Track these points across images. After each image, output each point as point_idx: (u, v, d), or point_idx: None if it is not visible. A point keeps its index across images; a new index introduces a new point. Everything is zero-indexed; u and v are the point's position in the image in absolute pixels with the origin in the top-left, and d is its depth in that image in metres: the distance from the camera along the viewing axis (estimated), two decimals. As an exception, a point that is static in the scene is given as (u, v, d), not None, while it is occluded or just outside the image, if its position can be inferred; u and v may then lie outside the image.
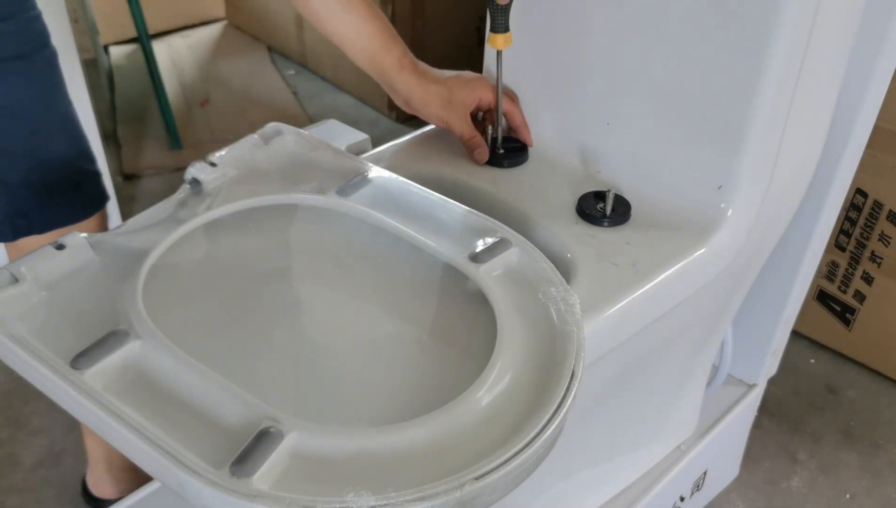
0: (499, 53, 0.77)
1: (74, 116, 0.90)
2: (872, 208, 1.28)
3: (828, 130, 0.82)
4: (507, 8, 0.74)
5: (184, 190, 0.70)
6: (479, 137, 0.81)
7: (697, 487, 1.12)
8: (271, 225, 0.71)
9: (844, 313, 1.40)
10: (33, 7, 0.82)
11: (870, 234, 1.31)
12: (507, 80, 0.83)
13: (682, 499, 1.09)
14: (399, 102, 0.82)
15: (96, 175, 0.92)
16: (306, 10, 0.78)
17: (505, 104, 0.82)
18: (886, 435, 1.31)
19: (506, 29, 0.75)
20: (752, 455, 1.26)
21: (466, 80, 0.81)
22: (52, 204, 0.87)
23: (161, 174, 1.96)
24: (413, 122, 0.98)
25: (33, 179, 0.84)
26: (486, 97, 0.81)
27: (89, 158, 0.91)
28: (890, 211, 1.27)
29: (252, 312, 0.63)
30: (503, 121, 0.83)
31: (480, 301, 0.60)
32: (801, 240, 0.97)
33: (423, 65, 0.81)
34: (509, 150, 0.82)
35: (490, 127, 0.82)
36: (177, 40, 2.62)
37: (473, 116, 0.84)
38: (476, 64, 0.88)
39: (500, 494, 0.48)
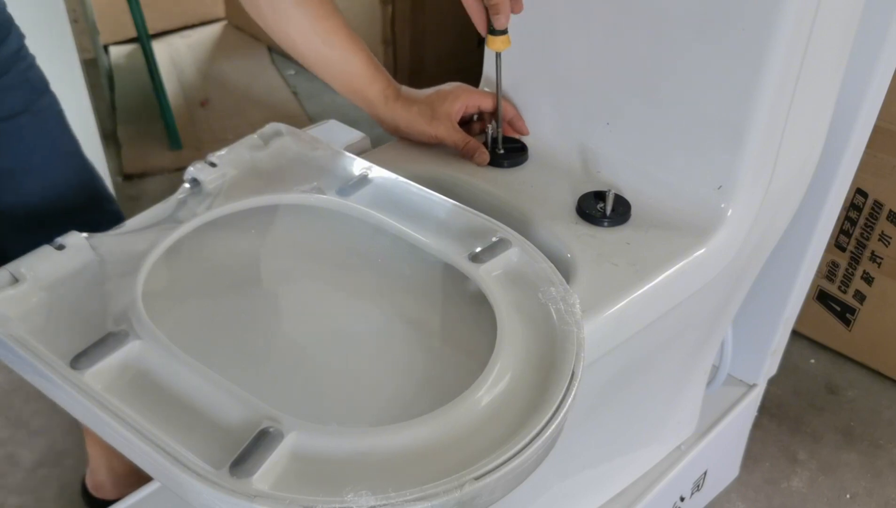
0: (498, 55, 0.77)
1: (85, 158, 0.88)
2: (872, 208, 1.28)
3: (828, 130, 0.82)
4: None
5: (184, 190, 0.70)
6: (474, 142, 0.80)
7: (697, 487, 1.12)
8: (271, 225, 0.71)
9: (844, 314, 1.40)
10: (26, 55, 0.81)
11: (870, 234, 1.31)
12: (508, 80, 0.83)
13: (682, 499, 1.09)
14: (389, 130, 0.83)
15: (116, 215, 0.90)
16: (287, 44, 0.78)
17: (488, 104, 0.82)
18: (886, 435, 1.31)
19: (504, 31, 0.75)
20: (752, 455, 1.26)
21: (447, 91, 0.81)
22: None
23: (161, 174, 1.96)
24: (413, 122, 0.98)
25: (53, 228, 0.82)
26: (472, 101, 0.81)
27: (108, 198, 0.90)
28: (890, 211, 1.27)
29: (252, 312, 0.63)
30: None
31: (480, 301, 0.60)
32: (801, 240, 0.97)
33: (406, 90, 0.82)
34: (509, 150, 0.82)
35: (489, 128, 0.82)
36: (177, 40, 2.62)
37: (469, 120, 0.84)
38: (476, 64, 0.88)
39: (500, 494, 0.48)
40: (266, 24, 0.77)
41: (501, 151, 0.82)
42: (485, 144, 0.82)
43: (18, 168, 0.80)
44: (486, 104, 0.82)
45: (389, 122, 0.81)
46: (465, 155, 0.81)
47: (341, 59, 0.78)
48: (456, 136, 0.80)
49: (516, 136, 0.84)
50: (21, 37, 0.80)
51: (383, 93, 0.80)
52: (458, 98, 0.80)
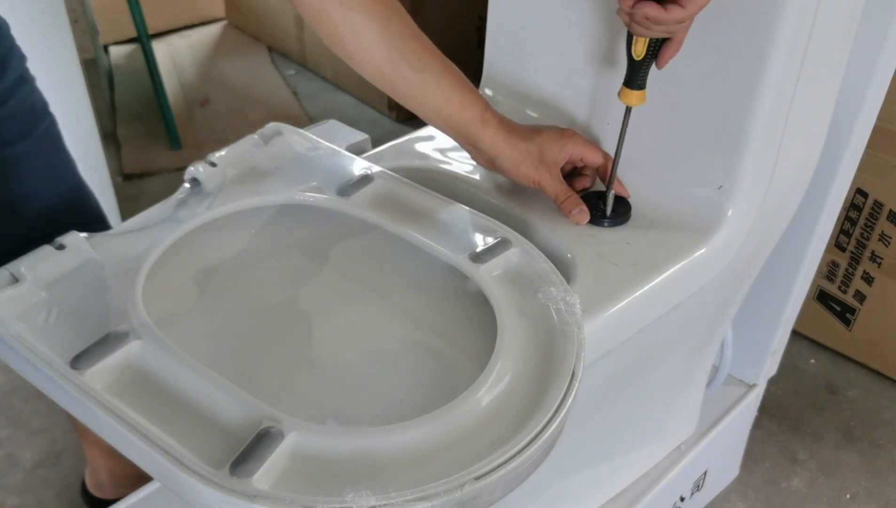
0: (628, 109, 0.71)
1: (82, 182, 0.85)
2: (872, 208, 1.28)
3: (828, 130, 0.82)
4: (647, 63, 0.67)
5: (184, 190, 0.70)
6: (575, 197, 0.73)
7: (697, 487, 1.12)
8: (271, 225, 0.71)
9: (844, 314, 1.40)
10: (28, 78, 0.78)
11: (870, 234, 1.31)
12: (507, 75, 0.83)
13: (682, 499, 1.09)
14: (480, 161, 0.75)
15: None
16: (369, 73, 0.70)
17: (595, 157, 0.75)
18: (886, 435, 1.31)
19: (642, 86, 0.69)
20: (752, 455, 1.26)
21: (556, 136, 0.73)
22: None
23: (161, 174, 1.96)
24: (413, 121, 0.97)
25: None
26: (577, 152, 0.74)
27: (102, 221, 0.87)
28: (890, 211, 1.27)
29: (252, 312, 0.63)
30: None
31: (480, 301, 0.60)
32: (801, 240, 0.97)
33: (507, 119, 0.73)
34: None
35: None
36: (177, 40, 2.61)
37: (571, 172, 0.78)
38: (476, 64, 0.88)
39: (500, 494, 0.48)
40: (350, 58, 0.70)
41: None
42: None
43: (17, 197, 0.77)
44: (592, 158, 0.75)
45: (487, 151, 0.72)
46: (562, 209, 0.73)
47: (431, 81, 0.70)
48: (558, 187, 0.73)
49: None
50: (23, 59, 0.78)
51: (481, 117, 0.70)
52: (565, 146, 0.73)
